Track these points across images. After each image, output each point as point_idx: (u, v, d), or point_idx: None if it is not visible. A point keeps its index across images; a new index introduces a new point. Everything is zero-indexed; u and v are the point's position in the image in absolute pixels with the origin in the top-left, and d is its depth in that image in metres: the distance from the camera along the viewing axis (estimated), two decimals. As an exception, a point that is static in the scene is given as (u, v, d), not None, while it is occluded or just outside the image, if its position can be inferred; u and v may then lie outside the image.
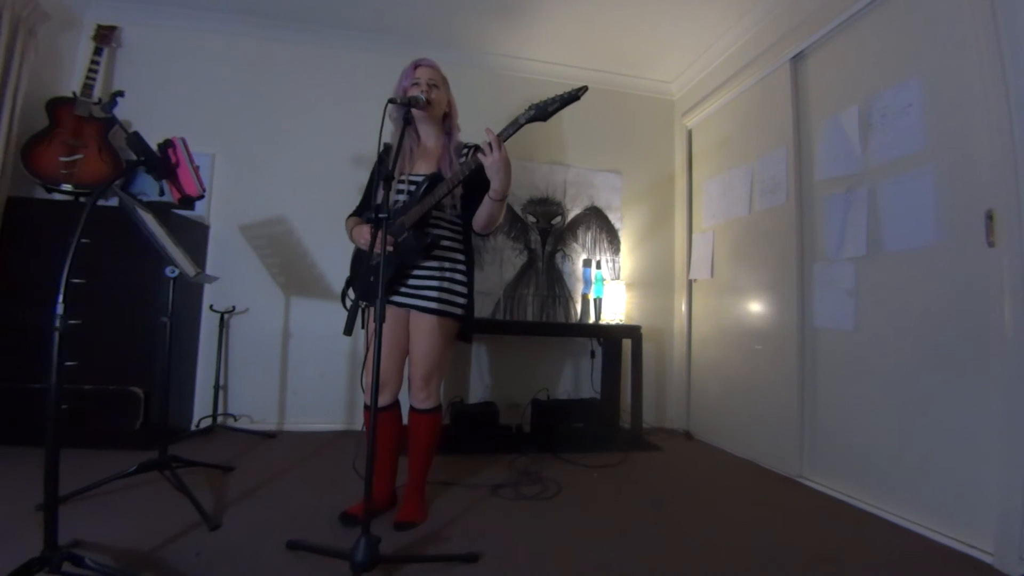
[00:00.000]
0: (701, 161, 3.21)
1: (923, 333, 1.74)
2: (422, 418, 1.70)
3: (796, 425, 2.25)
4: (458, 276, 1.70)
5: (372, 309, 1.70)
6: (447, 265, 1.69)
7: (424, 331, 1.65)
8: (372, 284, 1.60)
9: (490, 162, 1.48)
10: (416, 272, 1.67)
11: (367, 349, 1.71)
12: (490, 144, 1.47)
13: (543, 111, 1.45)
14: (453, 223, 1.73)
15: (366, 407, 1.68)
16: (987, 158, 1.54)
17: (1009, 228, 1.46)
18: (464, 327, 1.75)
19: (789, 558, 1.48)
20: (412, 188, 1.66)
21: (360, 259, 1.81)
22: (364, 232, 1.70)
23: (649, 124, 3.49)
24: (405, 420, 1.78)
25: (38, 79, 2.49)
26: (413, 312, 1.67)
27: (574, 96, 1.42)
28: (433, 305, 1.64)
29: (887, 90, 1.91)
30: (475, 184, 1.60)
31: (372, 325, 1.66)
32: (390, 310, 1.68)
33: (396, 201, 1.68)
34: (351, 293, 1.80)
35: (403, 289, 1.66)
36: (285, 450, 2.42)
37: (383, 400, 1.72)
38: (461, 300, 1.70)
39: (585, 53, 3.17)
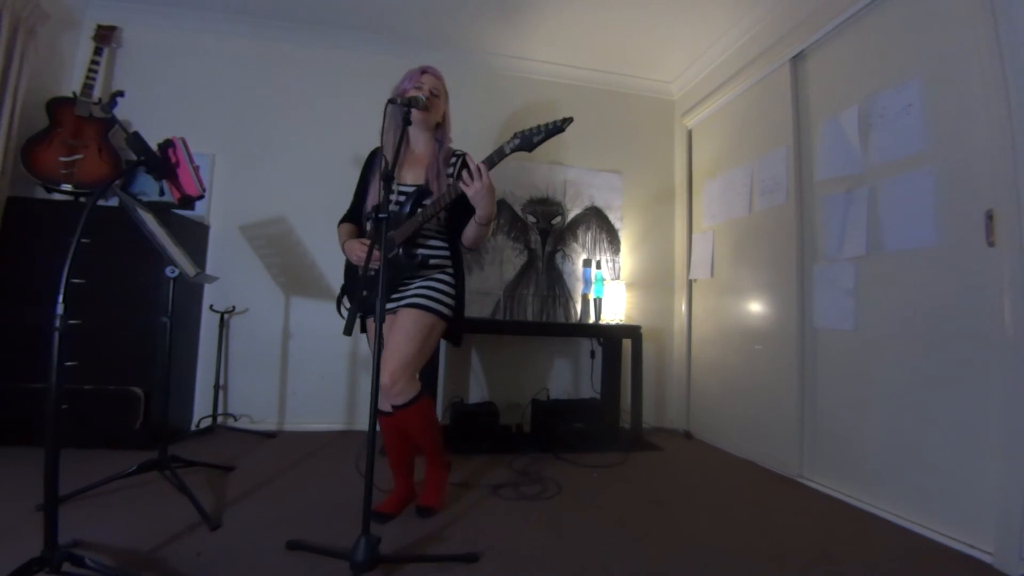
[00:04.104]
0: (701, 161, 3.21)
1: (923, 333, 1.74)
2: (405, 413, 1.63)
3: (796, 425, 2.25)
4: (444, 277, 1.72)
5: (370, 318, 1.72)
6: (433, 275, 1.71)
7: (399, 324, 1.63)
8: (365, 298, 1.63)
9: (472, 192, 1.51)
10: (404, 282, 1.70)
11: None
12: (474, 173, 1.49)
13: (528, 141, 1.48)
14: (440, 235, 1.74)
15: (380, 412, 1.72)
16: (987, 158, 1.54)
17: (1009, 228, 1.46)
18: (452, 328, 1.75)
19: (789, 558, 1.48)
20: (401, 199, 1.67)
21: (352, 268, 1.82)
22: (356, 249, 1.70)
23: (649, 124, 3.49)
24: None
25: (38, 79, 2.49)
26: (398, 312, 1.68)
27: (558, 128, 1.45)
28: (412, 300, 1.65)
29: (887, 90, 1.91)
30: (462, 200, 1.60)
31: (371, 332, 1.71)
32: (386, 320, 1.69)
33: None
34: (346, 301, 1.82)
35: (393, 296, 1.69)
36: (285, 450, 2.42)
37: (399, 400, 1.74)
38: (446, 299, 1.70)
39: (585, 53, 3.17)
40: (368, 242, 1.67)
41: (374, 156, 1.78)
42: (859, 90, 2.04)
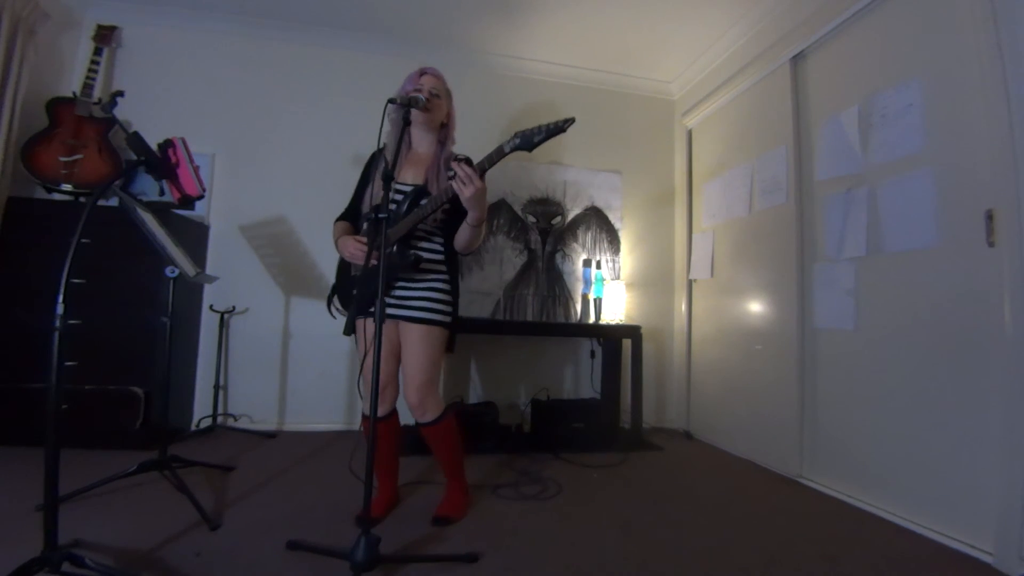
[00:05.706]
0: (701, 161, 3.21)
1: (923, 333, 1.74)
2: (431, 430, 1.69)
3: (796, 425, 2.25)
4: (441, 286, 1.70)
5: (362, 319, 1.66)
6: (430, 277, 1.68)
7: (415, 342, 1.64)
8: (356, 297, 1.59)
9: (467, 195, 1.47)
10: (401, 283, 1.66)
11: (363, 357, 1.65)
12: (473, 177, 1.45)
13: (528, 141, 1.42)
14: (435, 235, 1.72)
15: (364, 416, 1.67)
16: (987, 158, 1.54)
17: (1009, 228, 1.46)
18: (451, 336, 1.74)
19: (789, 558, 1.48)
20: (399, 197, 1.66)
21: (344, 267, 1.81)
22: (349, 245, 1.69)
23: (649, 124, 3.49)
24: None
25: (38, 79, 2.49)
26: (402, 323, 1.66)
27: (560, 128, 1.38)
28: (421, 315, 1.64)
29: (887, 90, 1.91)
30: (458, 202, 1.56)
31: (363, 333, 1.67)
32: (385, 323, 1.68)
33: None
34: (337, 301, 1.81)
35: (390, 300, 1.65)
36: (285, 450, 2.42)
37: (382, 409, 1.68)
38: (446, 308, 1.69)
39: (585, 53, 3.17)
40: (364, 239, 1.67)
41: (375, 157, 1.78)
42: (859, 90, 2.04)
